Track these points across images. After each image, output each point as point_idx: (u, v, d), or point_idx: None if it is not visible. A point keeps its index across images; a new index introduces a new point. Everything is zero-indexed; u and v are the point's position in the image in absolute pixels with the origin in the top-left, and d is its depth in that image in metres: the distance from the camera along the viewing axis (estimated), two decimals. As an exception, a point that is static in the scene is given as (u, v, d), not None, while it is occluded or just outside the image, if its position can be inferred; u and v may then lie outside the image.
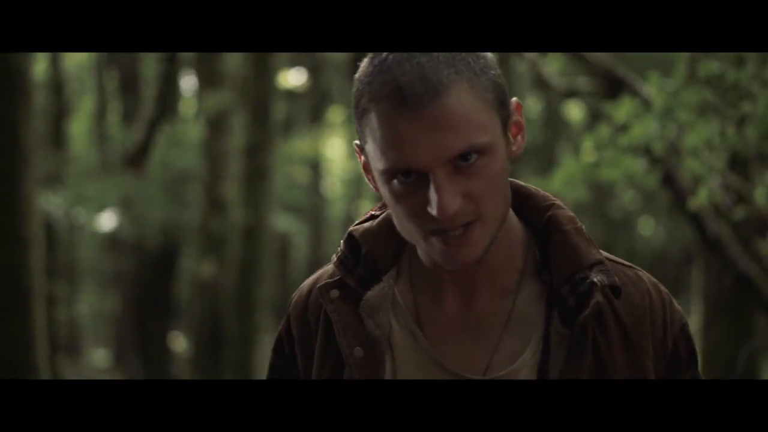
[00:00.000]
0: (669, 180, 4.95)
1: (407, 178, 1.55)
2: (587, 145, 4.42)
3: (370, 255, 1.69)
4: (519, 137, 1.64)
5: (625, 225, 18.32)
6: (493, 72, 1.58)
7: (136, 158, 11.10)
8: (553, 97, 13.93)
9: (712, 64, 3.92)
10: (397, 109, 1.52)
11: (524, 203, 1.72)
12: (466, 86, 1.54)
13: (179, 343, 16.86)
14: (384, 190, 1.59)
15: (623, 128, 4.32)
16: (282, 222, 15.93)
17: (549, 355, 1.62)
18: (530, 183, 1.80)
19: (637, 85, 5.16)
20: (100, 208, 13.45)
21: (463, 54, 1.56)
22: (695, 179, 4.34)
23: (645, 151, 4.37)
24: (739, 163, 4.50)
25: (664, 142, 4.17)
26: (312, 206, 19.99)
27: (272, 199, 11.15)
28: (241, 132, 10.78)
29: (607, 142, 4.30)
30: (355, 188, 22.75)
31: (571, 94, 5.82)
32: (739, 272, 4.96)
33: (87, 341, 18.63)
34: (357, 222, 1.74)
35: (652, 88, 4.06)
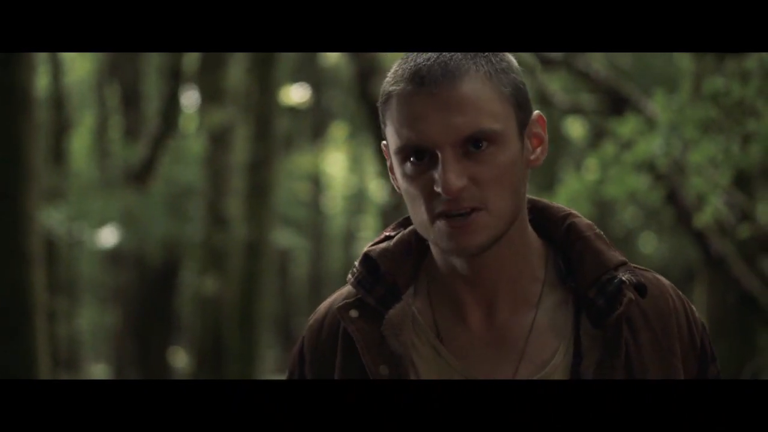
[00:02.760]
0: (673, 197, 4.94)
1: (420, 160, 1.62)
2: (591, 162, 4.42)
3: (389, 274, 1.72)
4: (539, 149, 1.69)
5: (626, 242, 18.30)
6: (514, 75, 1.65)
7: (141, 174, 11.10)
8: (554, 113, 13.91)
9: (717, 80, 3.92)
10: (414, 88, 1.61)
11: (541, 215, 1.75)
12: (483, 77, 1.62)
13: (180, 358, 16.82)
14: (398, 174, 1.65)
15: (627, 145, 4.31)
16: (283, 237, 15.91)
17: (581, 358, 1.64)
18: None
19: (641, 102, 5.16)
20: (101, 224, 13.43)
21: (488, 55, 1.64)
22: (699, 197, 4.34)
23: (649, 167, 4.36)
24: (743, 181, 4.50)
25: (669, 159, 4.16)
26: (312, 222, 19.98)
27: (274, 214, 11.15)
28: (244, 147, 10.78)
29: (611, 159, 4.30)
30: (355, 204, 22.74)
31: (574, 111, 5.81)
32: (743, 290, 4.95)
33: (87, 356, 18.57)
34: (372, 243, 1.77)
35: (658, 104, 4.06)
